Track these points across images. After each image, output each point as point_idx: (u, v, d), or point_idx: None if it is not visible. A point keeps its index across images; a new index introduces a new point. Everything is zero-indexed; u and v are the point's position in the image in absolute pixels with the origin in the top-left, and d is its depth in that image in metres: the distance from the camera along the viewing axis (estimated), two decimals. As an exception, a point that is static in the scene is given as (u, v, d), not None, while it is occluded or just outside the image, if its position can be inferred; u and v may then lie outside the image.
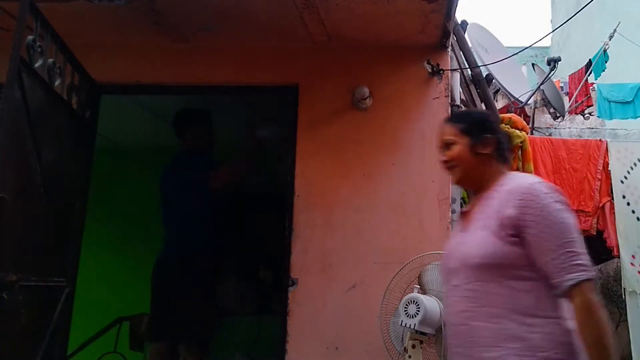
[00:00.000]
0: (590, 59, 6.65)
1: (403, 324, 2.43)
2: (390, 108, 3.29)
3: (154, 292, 3.59)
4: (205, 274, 3.60)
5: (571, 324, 1.59)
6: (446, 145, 1.88)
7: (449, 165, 1.87)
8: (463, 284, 1.71)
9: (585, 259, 1.61)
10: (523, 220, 1.63)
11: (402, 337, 2.56)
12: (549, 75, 5.03)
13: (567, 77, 7.05)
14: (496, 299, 1.64)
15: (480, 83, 3.67)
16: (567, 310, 1.61)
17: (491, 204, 1.74)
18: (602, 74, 6.57)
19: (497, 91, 4.83)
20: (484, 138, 1.84)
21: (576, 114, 6.91)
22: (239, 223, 4.38)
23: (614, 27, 6.46)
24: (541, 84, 5.21)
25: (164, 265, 3.57)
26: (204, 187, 3.58)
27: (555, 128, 7.84)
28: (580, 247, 1.62)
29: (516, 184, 1.72)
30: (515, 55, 4.00)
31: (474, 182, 1.87)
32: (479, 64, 3.75)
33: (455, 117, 1.97)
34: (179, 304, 3.44)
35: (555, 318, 1.61)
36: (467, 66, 3.63)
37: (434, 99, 3.28)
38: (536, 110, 6.06)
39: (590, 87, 6.83)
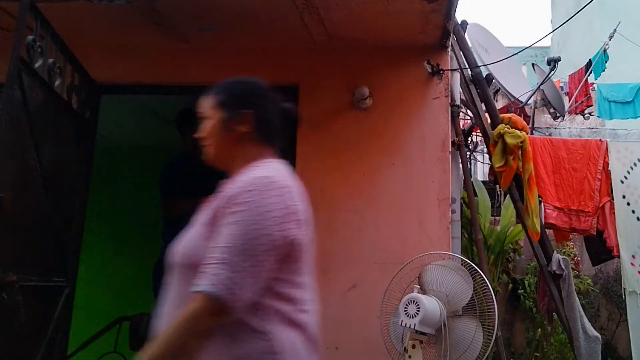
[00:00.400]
0: (590, 59, 6.66)
1: (403, 324, 2.43)
2: (390, 108, 3.29)
3: (155, 294, 3.58)
4: None
5: (280, 342, 1.33)
6: (203, 120, 1.60)
7: (202, 142, 1.58)
8: (171, 283, 1.46)
9: (225, 274, 1.26)
10: (223, 215, 1.36)
11: (402, 337, 2.56)
12: (549, 75, 5.03)
13: (567, 77, 7.05)
14: None
15: (480, 83, 3.66)
16: (280, 325, 1.35)
17: (220, 194, 1.45)
18: (602, 74, 6.57)
19: (497, 91, 4.83)
20: (240, 114, 1.55)
21: (576, 114, 6.91)
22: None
23: (614, 27, 6.46)
24: (541, 84, 5.20)
25: (163, 266, 3.56)
26: (201, 191, 3.55)
27: (555, 128, 7.85)
28: (235, 258, 1.28)
29: (246, 175, 1.43)
30: (515, 55, 3.99)
31: (225, 164, 1.55)
32: (479, 64, 3.75)
33: (216, 88, 1.67)
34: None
35: (260, 333, 1.32)
36: (467, 66, 3.62)
37: (434, 99, 3.28)
38: (536, 110, 6.06)
39: (590, 87, 6.83)
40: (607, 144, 3.81)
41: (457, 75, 3.49)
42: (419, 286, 2.61)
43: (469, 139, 4.46)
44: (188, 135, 3.75)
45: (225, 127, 1.56)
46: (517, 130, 3.38)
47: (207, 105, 1.61)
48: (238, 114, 1.56)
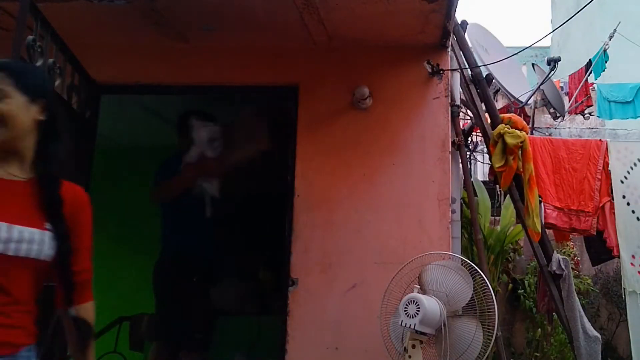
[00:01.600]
0: (590, 59, 6.66)
1: (403, 324, 2.43)
2: (390, 108, 3.29)
3: (156, 294, 3.59)
4: (202, 275, 3.60)
5: None
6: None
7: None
8: None
9: None
10: None
11: (402, 337, 2.56)
12: (549, 75, 5.02)
13: (567, 77, 7.05)
14: None
15: (480, 83, 3.66)
16: None
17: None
18: (602, 74, 6.57)
19: (497, 91, 4.83)
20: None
21: (576, 114, 6.91)
22: (239, 223, 4.37)
23: (614, 27, 6.46)
24: (541, 84, 5.20)
25: (164, 267, 3.57)
26: (194, 190, 3.57)
27: (555, 128, 7.84)
28: None
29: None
30: (515, 55, 3.99)
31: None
32: (479, 64, 3.75)
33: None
34: (180, 306, 3.45)
35: None
36: (467, 66, 3.62)
37: (434, 99, 3.28)
38: (536, 110, 6.06)
39: (590, 87, 6.83)
40: (607, 144, 3.81)
41: (457, 75, 3.49)
42: (419, 286, 2.62)
43: (469, 139, 4.46)
44: (183, 138, 3.75)
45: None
46: (517, 130, 3.38)
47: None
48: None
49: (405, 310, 2.44)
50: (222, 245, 3.82)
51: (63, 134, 1.70)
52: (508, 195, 3.81)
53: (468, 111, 3.86)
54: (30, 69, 1.69)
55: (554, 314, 3.60)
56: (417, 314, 2.41)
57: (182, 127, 3.73)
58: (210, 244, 3.66)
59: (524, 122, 3.88)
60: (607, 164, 3.76)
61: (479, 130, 3.97)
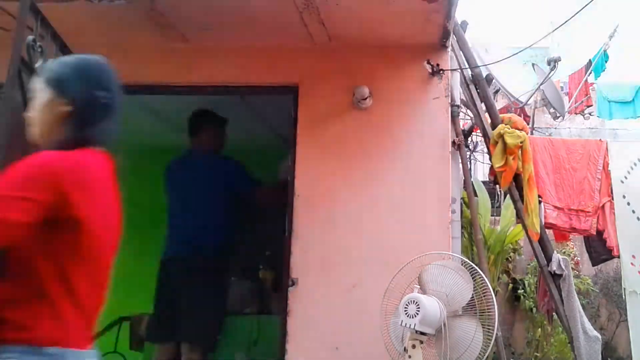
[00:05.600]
0: (590, 59, 6.66)
1: (403, 324, 2.43)
2: (390, 108, 3.29)
3: (160, 292, 3.58)
4: (214, 273, 3.60)
5: None
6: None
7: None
8: None
9: None
10: None
11: (402, 337, 2.56)
12: (549, 75, 5.03)
13: (567, 77, 7.06)
14: None
15: (480, 83, 3.66)
16: None
17: None
18: (602, 74, 6.58)
19: (497, 91, 4.84)
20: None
21: (576, 114, 6.92)
22: (244, 222, 4.37)
23: (614, 27, 6.46)
24: (541, 84, 5.20)
25: (173, 264, 3.57)
26: (221, 187, 3.62)
27: (555, 128, 7.84)
28: None
29: None
30: (515, 55, 3.99)
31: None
32: (479, 64, 3.75)
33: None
34: (186, 304, 3.44)
35: None
36: (467, 66, 3.62)
37: (434, 99, 3.28)
38: (536, 110, 6.06)
39: (590, 87, 6.84)
40: (607, 144, 3.82)
41: (457, 75, 3.49)
42: (419, 286, 2.61)
43: (469, 139, 4.46)
44: (202, 134, 3.76)
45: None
46: (517, 130, 3.38)
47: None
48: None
49: (405, 310, 2.43)
50: (224, 245, 3.81)
51: (98, 118, 1.71)
52: (508, 195, 3.81)
53: (468, 111, 3.86)
54: (63, 63, 1.68)
55: (554, 314, 3.60)
56: (417, 314, 2.41)
57: (193, 127, 3.74)
58: (214, 242, 3.66)
59: (524, 122, 3.88)
60: (607, 164, 3.76)
61: (479, 130, 3.97)
